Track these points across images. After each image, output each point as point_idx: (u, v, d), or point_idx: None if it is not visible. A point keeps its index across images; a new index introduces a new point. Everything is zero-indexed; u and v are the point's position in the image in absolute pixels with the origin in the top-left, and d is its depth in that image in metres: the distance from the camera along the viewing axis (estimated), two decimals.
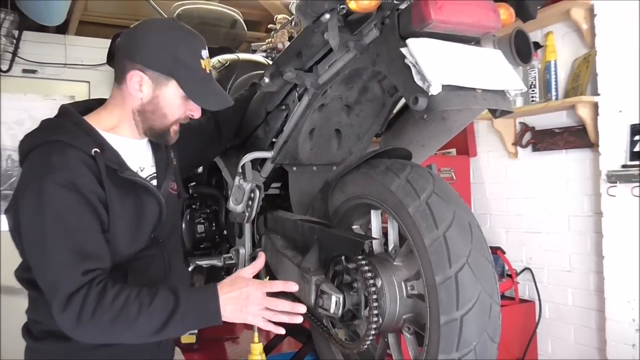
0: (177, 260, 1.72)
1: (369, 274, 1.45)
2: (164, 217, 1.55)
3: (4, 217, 1.50)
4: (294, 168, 1.90)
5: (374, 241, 1.58)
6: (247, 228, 2.03)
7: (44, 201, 1.32)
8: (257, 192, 1.78)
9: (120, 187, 1.43)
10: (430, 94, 1.24)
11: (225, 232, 2.29)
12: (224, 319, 1.36)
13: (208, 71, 1.50)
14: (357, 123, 1.85)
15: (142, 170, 1.58)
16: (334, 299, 1.51)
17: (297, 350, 2.25)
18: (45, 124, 1.50)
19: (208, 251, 2.39)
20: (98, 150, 1.40)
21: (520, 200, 3.36)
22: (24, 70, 4.57)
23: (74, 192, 1.33)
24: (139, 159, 1.58)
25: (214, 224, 2.35)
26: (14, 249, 1.47)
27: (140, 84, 1.45)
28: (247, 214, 1.81)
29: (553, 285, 3.19)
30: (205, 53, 1.49)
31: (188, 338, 2.48)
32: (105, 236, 1.40)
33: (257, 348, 1.78)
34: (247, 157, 1.83)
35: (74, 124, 1.45)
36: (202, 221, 2.34)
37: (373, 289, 1.45)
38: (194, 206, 2.43)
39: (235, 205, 1.79)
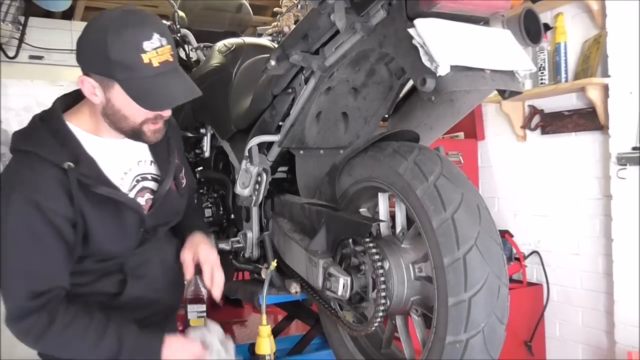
0: (170, 245, 1.75)
1: (377, 257, 1.45)
2: (146, 223, 1.56)
3: None
4: (301, 152, 1.89)
5: (381, 224, 1.58)
6: (255, 212, 2.03)
7: (6, 216, 1.35)
8: (264, 175, 1.78)
9: (95, 199, 1.42)
10: (438, 74, 1.23)
11: (232, 216, 2.29)
12: None
13: (158, 63, 1.31)
14: (364, 106, 1.84)
15: (127, 172, 1.55)
16: (341, 281, 1.51)
17: (304, 333, 2.27)
18: (28, 128, 1.47)
19: (216, 235, 2.38)
20: (72, 164, 1.37)
21: (529, 184, 3.34)
22: (31, 57, 4.58)
23: (37, 213, 1.35)
24: (125, 161, 1.55)
25: (221, 208, 2.35)
26: None
27: (93, 88, 1.37)
28: (254, 198, 1.81)
29: (561, 269, 3.18)
30: (151, 43, 1.31)
31: (197, 321, 2.49)
32: (76, 251, 1.44)
33: (265, 330, 1.80)
34: (254, 141, 1.82)
35: (52, 132, 1.42)
36: (209, 205, 2.34)
37: (381, 271, 1.45)
38: (201, 191, 2.43)
39: (243, 189, 1.79)
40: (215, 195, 2.38)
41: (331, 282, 1.55)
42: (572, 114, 3.04)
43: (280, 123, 1.84)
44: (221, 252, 2.22)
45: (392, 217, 1.58)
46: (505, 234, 3.33)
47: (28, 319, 1.34)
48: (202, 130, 2.35)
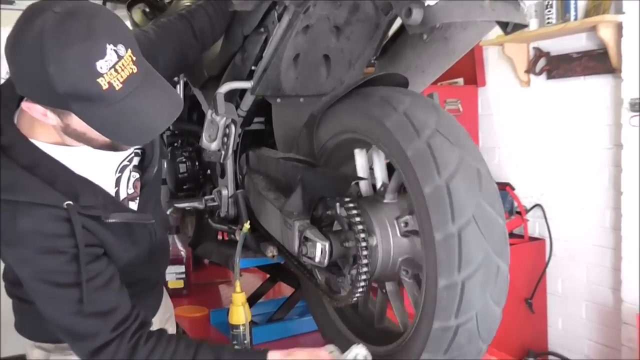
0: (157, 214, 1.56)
1: (358, 218, 1.29)
2: (157, 235, 1.46)
3: None
4: (278, 100, 1.70)
5: (361, 182, 1.39)
6: (229, 167, 1.85)
7: (30, 269, 1.18)
8: (233, 127, 1.58)
9: (106, 225, 1.25)
10: (426, 4, 1.05)
11: (209, 171, 2.10)
12: None
13: (121, 84, 1.02)
14: (348, 47, 1.64)
15: (119, 174, 1.35)
16: (319, 247, 1.36)
17: (289, 295, 2.11)
18: None
19: (192, 192, 2.21)
20: (71, 202, 1.15)
21: (532, 133, 3.16)
22: None
23: (56, 254, 1.16)
24: (113, 162, 1.34)
25: (196, 163, 2.16)
26: None
27: (45, 113, 1.09)
28: (222, 153, 1.62)
29: (565, 223, 3.05)
30: (107, 62, 0.99)
31: (175, 283, 2.35)
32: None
33: (239, 298, 1.64)
34: (223, 88, 1.62)
35: (28, 168, 1.15)
36: (183, 160, 2.15)
37: (362, 235, 1.28)
38: (175, 144, 2.24)
39: (209, 143, 1.59)
40: (190, 149, 2.19)
41: (307, 248, 1.39)
42: (581, 56, 2.85)
43: (253, 67, 1.64)
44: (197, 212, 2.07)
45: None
46: (506, 187, 3.19)
47: (109, 349, 1.22)
48: (175, 78, 2.14)
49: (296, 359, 1.28)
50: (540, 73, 3.07)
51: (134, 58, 1.04)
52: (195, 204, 1.91)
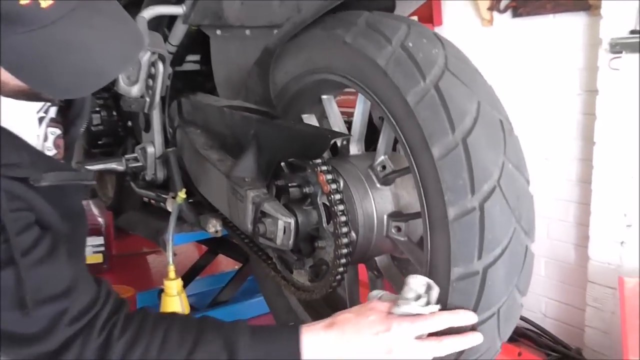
0: None
1: (333, 185, 1.04)
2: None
3: None
4: (218, 32, 1.46)
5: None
6: (156, 119, 1.52)
7: None
8: (160, 65, 1.23)
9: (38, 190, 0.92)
10: None
11: (130, 123, 1.72)
12: None
13: (50, 3, 0.74)
14: None
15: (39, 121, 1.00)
16: (281, 224, 1.09)
17: (237, 269, 1.80)
18: None
19: (110, 149, 1.82)
20: None
21: (494, 77, 2.87)
22: None
23: None
24: (31, 110, 0.98)
25: (114, 113, 1.78)
26: None
27: None
28: (148, 100, 1.25)
29: None
30: None
31: (93, 257, 1.97)
32: None
33: (174, 286, 1.30)
34: (146, 13, 1.29)
35: None
36: (97, 109, 1.76)
37: (339, 198, 1.03)
38: None
39: (128, 86, 1.21)
40: (106, 95, 1.84)
41: (266, 226, 1.09)
42: None
43: None
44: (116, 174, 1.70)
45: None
46: None
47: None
48: None
49: (343, 326, 0.90)
50: (504, 10, 2.82)
51: None
52: (114, 166, 1.54)
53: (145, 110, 1.30)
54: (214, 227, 1.36)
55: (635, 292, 1.92)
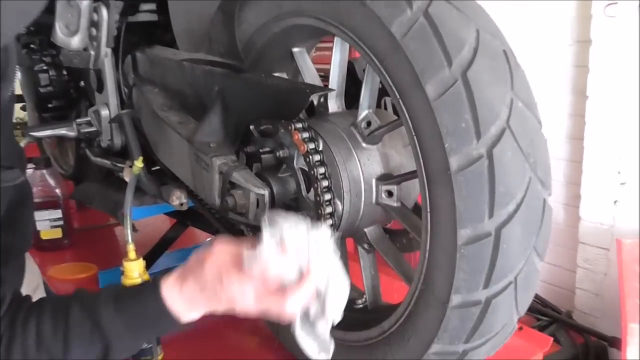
0: None
1: (305, 134, 0.92)
2: None
3: None
4: None
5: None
6: (109, 76, 1.32)
7: None
8: (104, 11, 1.02)
9: None
10: None
11: (82, 83, 1.53)
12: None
13: None
14: None
15: None
16: (253, 197, 0.94)
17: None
18: None
19: (62, 112, 1.63)
20: None
21: None
22: None
23: None
24: None
25: (64, 72, 1.58)
26: None
27: None
28: (92, 53, 1.05)
29: None
30: None
31: (51, 232, 1.80)
32: None
33: (135, 267, 1.14)
34: None
35: None
36: (44, 68, 1.57)
37: (311, 144, 0.91)
38: (32, 45, 1.62)
39: (68, 37, 1.01)
40: (55, 52, 1.61)
41: (236, 199, 0.92)
42: None
43: None
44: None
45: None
46: None
47: None
48: None
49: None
50: None
51: None
52: (63, 131, 1.36)
53: (91, 66, 1.10)
54: (178, 199, 1.20)
55: (633, 255, 1.82)
